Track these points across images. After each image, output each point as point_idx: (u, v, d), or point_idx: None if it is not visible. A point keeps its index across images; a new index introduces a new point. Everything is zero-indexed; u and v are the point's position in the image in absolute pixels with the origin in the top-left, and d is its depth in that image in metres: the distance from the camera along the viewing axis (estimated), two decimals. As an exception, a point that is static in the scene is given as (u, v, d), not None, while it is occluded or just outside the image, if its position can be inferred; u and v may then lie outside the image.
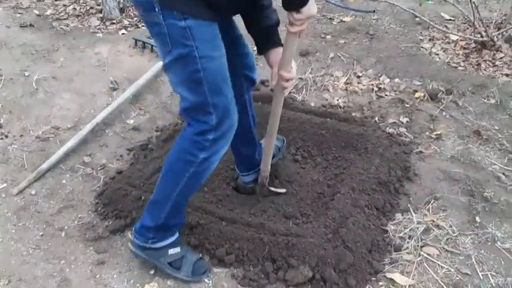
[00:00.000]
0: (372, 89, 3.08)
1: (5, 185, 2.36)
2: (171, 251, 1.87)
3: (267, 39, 1.83)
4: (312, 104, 2.93)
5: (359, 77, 3.24)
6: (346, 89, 3.10)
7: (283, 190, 2.27)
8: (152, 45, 3.38)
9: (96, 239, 2.06)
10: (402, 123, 2.77)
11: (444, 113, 2.86)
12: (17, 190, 2.31)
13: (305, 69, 3.28)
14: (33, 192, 2.32)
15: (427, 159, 2.50)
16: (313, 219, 2.11)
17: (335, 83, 3.16)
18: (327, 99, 2.99)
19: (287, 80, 1.77)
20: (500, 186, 2.32)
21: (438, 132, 2.68)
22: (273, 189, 2.25)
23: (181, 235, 1.96)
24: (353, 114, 2.81)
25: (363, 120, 2.72)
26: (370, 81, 3.18)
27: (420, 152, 2.54)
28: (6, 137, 2.66)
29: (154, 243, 1.85)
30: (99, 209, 2.21)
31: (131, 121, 2.84)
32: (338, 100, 2.98)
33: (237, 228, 2.01)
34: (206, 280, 1.89)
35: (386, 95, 3.03)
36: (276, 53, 1.80)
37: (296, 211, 2.17)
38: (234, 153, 2.22)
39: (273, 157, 2.23)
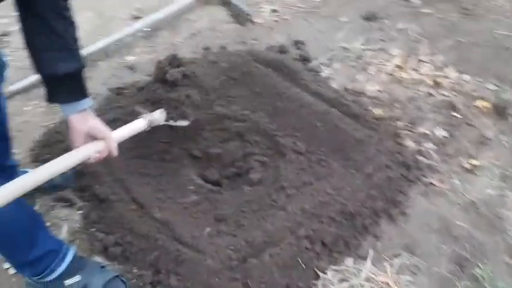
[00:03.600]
0: (426, 82, 2.38)
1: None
2: (68, 282, 1.52)
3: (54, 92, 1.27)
4: (334, 85, 2.34)
5: (420, 61, 2.54)
6: (392, 74, 2.44)
7: (185, 123, 1.87)
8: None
9: None
10: (436, 137, 2.10)
11: (501, 137, 2.11)
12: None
13: (357, 36, 2.64)
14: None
15: (434, 197, 1.86)
16: (240, 233, 1.70)
17: (384, 63, 2.50)
18: (359, 81, 2.39)
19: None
20: (508, 266, 1.64)
21: (476, 163, 1.98)
22: (172, 122, 1.84)
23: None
24: (372, 110, 2.19)
25: (378, 121, 2.10)
26: (431, 70, 2.46)
27: (431, 184, 1.90)
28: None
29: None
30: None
31: (131, 58, 2.57)
32: (372, 86, 2.36)
33: (141, 217, 1.70)
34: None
35: (439, 94, 2.32)
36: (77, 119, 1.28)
37: (232, 215, 1.78)
38: None
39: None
